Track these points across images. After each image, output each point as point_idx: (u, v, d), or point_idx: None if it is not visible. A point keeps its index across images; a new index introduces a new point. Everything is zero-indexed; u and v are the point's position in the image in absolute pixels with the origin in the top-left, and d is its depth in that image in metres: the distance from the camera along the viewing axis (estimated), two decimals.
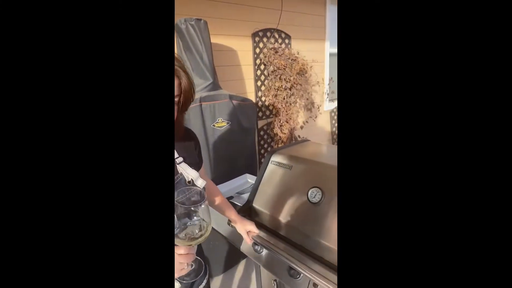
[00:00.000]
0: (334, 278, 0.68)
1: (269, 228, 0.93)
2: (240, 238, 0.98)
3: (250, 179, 1.44)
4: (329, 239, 0.75)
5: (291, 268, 0.76)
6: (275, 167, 1.01)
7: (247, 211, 1.01)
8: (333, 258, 0.74)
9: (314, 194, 0.83)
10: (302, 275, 0.76)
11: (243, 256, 1.81)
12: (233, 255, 1.77)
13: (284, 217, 0.88)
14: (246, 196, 1.22)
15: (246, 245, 0.96)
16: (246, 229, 0.89)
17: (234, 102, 1.55)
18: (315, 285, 0.71)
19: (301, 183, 0.89)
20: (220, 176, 1.54)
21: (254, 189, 1.02)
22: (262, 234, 0.88)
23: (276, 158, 1.02)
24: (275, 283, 0.98)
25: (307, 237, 0.81)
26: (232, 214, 0.90)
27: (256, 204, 0.99)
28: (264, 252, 0.88)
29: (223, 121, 1.50)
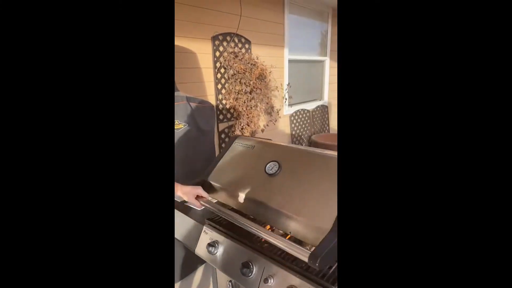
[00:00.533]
0: (283, 239, 0.71)
1: (221, 202, 0.95)
2: (195, 241, 0.97)
3: None
4: (280, 205, 0.78)
5: (243, 266, 0.77)
6: (238, 146, 1.05)
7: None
8: (283, 222, 0.77)
9: (271, 167, 0.86)
10: (254, 272, 0.77)
11: (201, 261, 1.78)
12: (191, 261, 1.72)
13: (238, 188, 0.91)
14: None
15: (201, 248, 0.94)
16: (195, 194, 0.88)
17: (192, 104, 1.53)
18: (266, 280, 0.73)
19: (261, 159, 0.93)
20: (177, 178, 1.50)
21: (212, 166, 1.04)
22: (214, 205, 0.89)
23: (240, 141, 1.06)
24: (230, 284, 0.98)
25: (259, 204, 0.83)
26: (178, 189, 0.90)
27: (212, 180, 0.99)
28: (219, 252, 0.88)
29: (179, 123, 1.46)
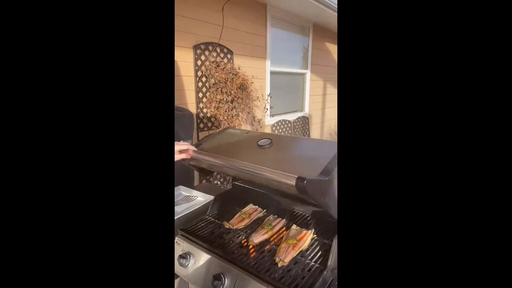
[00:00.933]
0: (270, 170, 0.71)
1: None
2: None
3: (184, 191, 1.38)
4: (269, 166, 0.78)
5: (215, 279, 0.74)
6: (231, 132, 1.08)
7: None
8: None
9: (264, 142, 0.91)
10: (226, 284, 0.74)
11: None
12: None
13: (228, 155, 0.91)
14: (178, 208, 1.16)
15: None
16: (176, 151, 0.87)
17: None
18: None
19: (254, 137, 0.97)
20: None
21: (202, 140, 1.06)
22: (203, 153, 0.89)
23: (232, 130, 1.10)
24: None
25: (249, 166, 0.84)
26: None
27: (201, 149, 0.99)
28: (190, 264, 0.85)
29: None
